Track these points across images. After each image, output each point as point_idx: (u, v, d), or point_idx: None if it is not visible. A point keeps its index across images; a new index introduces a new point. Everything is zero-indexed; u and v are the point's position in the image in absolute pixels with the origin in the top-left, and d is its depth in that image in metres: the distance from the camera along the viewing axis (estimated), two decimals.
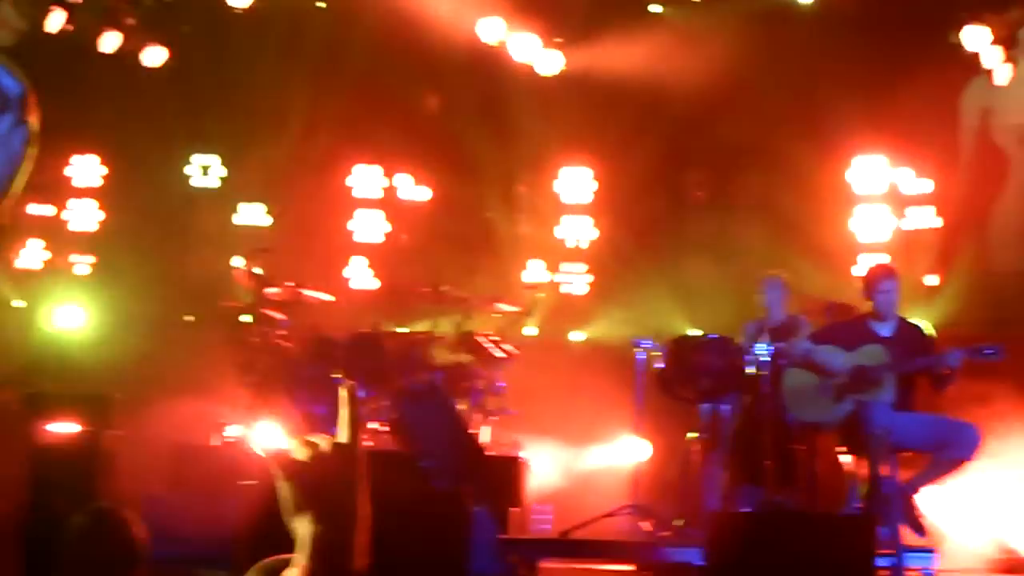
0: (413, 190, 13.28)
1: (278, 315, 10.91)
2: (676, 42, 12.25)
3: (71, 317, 12.82)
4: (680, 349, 9.54)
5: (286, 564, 2.21)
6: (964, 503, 9.74)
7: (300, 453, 2.13)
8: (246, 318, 10.83)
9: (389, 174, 13.30)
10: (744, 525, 8.03)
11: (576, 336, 12.58)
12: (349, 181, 13.32)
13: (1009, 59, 11.93)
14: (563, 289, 12.89)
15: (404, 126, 13.01)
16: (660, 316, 11.81)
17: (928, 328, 9.35)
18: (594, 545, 9.05)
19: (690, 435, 9.57)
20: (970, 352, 8.64)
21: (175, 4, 13.31)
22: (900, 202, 12.39)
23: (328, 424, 9.71)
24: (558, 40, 12.70)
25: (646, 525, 9.34)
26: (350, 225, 13.27)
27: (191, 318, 12.54)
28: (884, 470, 8.42)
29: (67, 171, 13.56)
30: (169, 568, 7.45)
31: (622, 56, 12.32)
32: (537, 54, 12.76)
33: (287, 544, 2.17)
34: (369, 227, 13.29)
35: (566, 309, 12.73)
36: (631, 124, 12.56)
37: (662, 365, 9.50)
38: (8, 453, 9.34)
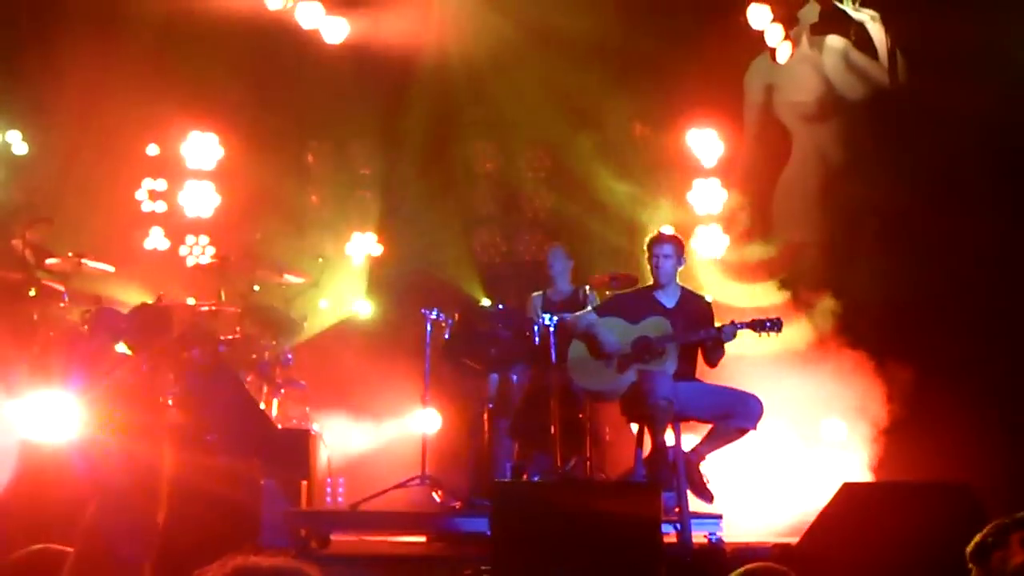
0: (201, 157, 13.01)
1: (58, 286, 10.61)
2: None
3: None
4: (468, 319, 9.58)
5: None
6: (750, 470, 10.06)
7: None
8: (29, 290, 10.53)
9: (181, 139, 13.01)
10: (530, 493, 8.09)
11: (362, 306, 12.52)
12: (148, 149, 12.98)
13: (789, 38, 12.27)
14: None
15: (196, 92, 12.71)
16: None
17: (710, 299, 9.53)
18: (386, 516, 9.05)
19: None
20: (751, 325, 8.80)
21: None
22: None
23: (110, 399, 9.49)
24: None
25: (437, 496, 9.38)
26: (138, 194, 12.94)
27: None
28: (668, 439, 8.58)
29: None
30: None
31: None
32: (323, 21, 12.54)
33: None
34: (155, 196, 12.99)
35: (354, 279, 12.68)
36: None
37: (449, 335, 9.53)
38: None
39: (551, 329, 9.06)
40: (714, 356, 8.93)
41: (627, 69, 12.23)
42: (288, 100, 12.71)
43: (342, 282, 12.41)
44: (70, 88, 12.22)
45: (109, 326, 10.23)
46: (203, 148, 13.00)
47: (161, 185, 12.97)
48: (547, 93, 12.18)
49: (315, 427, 10.20)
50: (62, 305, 10.64)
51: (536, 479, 9.21)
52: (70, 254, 10.61)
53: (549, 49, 12.00)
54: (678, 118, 12.53)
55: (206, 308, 10.67)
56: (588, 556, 7.28)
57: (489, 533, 7.86)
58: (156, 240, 12.80)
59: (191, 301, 10.92)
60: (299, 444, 9.62)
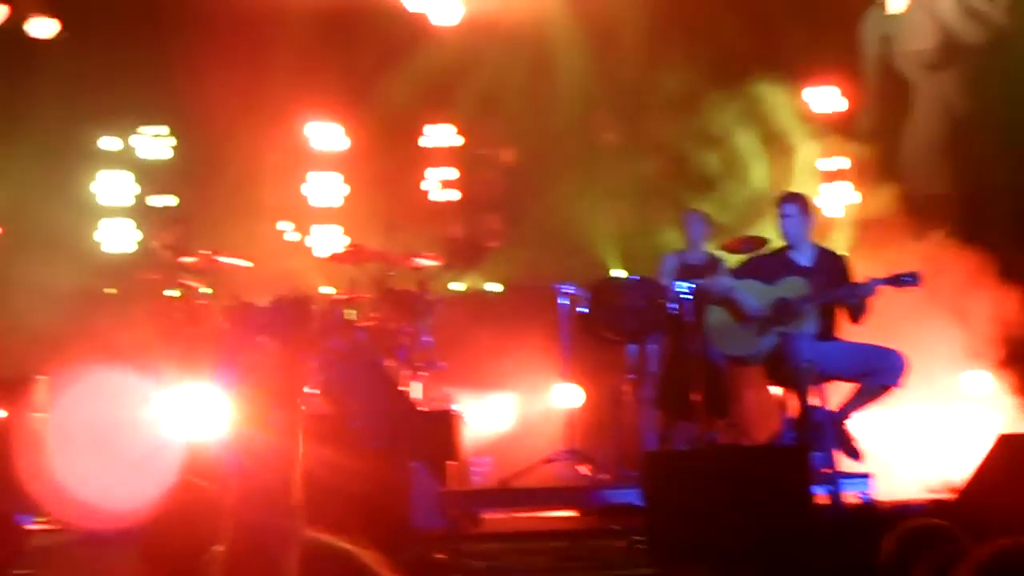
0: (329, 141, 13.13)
1: (197, 284, 10.79)
2: None
3: None
4: (602, 291, 9.58)
5: None
6: (898, 428, 9.92)
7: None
8: (168, 289, 10.74)
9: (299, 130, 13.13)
10: (680, 462, 8.09)
11: (493, 286, 12.56)
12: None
13: None
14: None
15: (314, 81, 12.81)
16: (577, 259, 11.84)
17: (845, 256, 9.43)
18: (535, 493, 9.10)
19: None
20: (888, 281, 8.70)
21: None
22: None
23: (255, 393, 9.62)
24: None
25: (584, 469, 9.40)
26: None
27: (112, 291, 12.38)
28: (813, 400, 8.51)
29: None
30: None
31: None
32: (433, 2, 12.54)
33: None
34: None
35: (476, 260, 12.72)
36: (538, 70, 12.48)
37: (586, 309, 9.54)
38: None
39: (688, 296, 9.02)
40: (858, 313, 8.82)
41: (743, 31, 12.08)
42: (406, 85, 12.73)
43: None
44: (208, 85, 12.39)
45: (250, 320, 10.39)
46: (328, 137, 13.09)
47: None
48: (677, 58, 12.07)
49: (457, 407, 10.26)
50: (203, 302, 10.81)
51: (684, 448, 9.18)
52: (205, 251, 10.77)
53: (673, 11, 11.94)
54: (796, 77, 12.34)
55: (342, 297, 10.76)
56: (740, 521, 7.27)
57: (640, 504, 7.87)
58: (288, 232, 12.95)
59: (328, 290, 11.02)
60: (443, 425, 9.69)
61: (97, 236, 12.92)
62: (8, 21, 12.60)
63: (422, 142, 13.03)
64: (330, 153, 13.10)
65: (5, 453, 9.68)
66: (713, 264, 9.84)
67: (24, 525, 7.89)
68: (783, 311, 8.83)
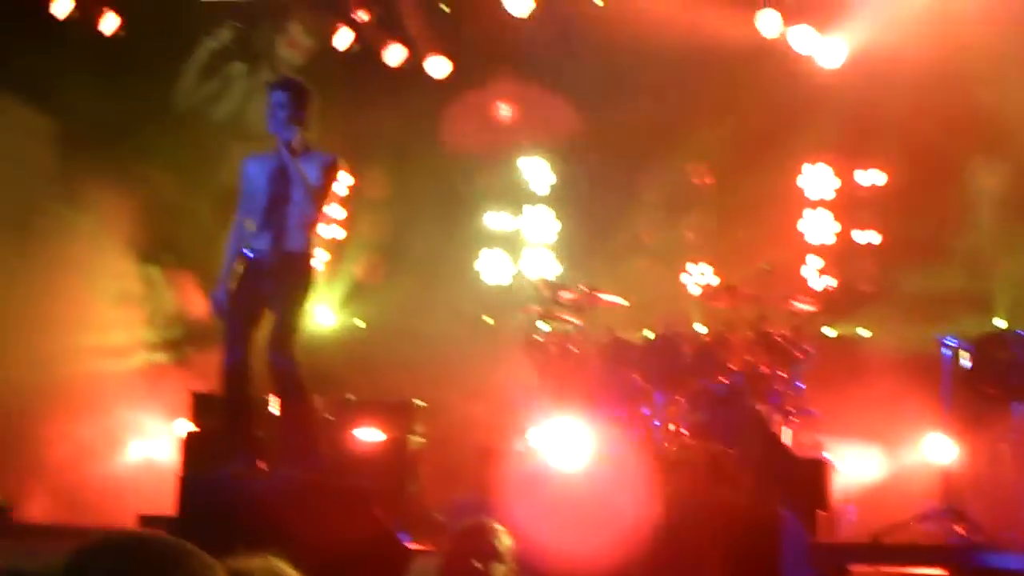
0: None
1: (573, 319, 11.02)
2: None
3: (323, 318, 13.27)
4: (988, 346, 9.29)
5: None
6: None
7: None
8: (543, 322, 11.00)
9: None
10: None
11: (863, 332, 12.30)
12: None
13: None
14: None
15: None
16: (949, 311, 11.42)
17: None
18: (907, 549, 8.88)
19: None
20: None
21: (456, 14, 13.51)
22: None
23: (625, 427, 9.80)
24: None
25: (959, 529, 9.11)
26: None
27: (490, 320, 12.79)
28: None
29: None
30: None
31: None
32: (817, 45, 12.39)
33: None
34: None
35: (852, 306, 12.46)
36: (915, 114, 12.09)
37: (968, 363, 9.27)
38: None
39: None
40: None
41: None
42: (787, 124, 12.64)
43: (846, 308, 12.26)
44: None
45: (622, 357, 10.55)
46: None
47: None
48: None
49: (828, 455, 10.12)
50: (576, 337, 11.02)
51: None
52: (582, 287, 10.98)
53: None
54: None
55: (717, 337, 10.77)
56: None
57: (1020, 569, 7.58)
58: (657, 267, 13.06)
59: (702, 330, 11.06)
60: (815, 473, 9.58)
61: (477, 266, 13.35)
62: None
63: (799, 181, 12.87)
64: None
65: (388, 473, 10.17)
66: None
67: (408, 544, 8.24)
68: None
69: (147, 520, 8.86)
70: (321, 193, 8.15)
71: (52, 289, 11.69)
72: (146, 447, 11.95)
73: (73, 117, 12.29)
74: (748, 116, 12.42)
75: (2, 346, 11.43)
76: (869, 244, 12.60)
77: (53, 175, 12.13)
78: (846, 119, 12.27)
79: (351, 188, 13.23)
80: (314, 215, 8.22)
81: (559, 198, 13.37)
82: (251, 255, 8.18)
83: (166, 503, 8.33)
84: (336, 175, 8.37)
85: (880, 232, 12.56)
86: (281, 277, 8.08)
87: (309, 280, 8.24)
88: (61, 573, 2.07)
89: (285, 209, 8.08)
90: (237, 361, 8.10)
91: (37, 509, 11.09)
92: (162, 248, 12.68)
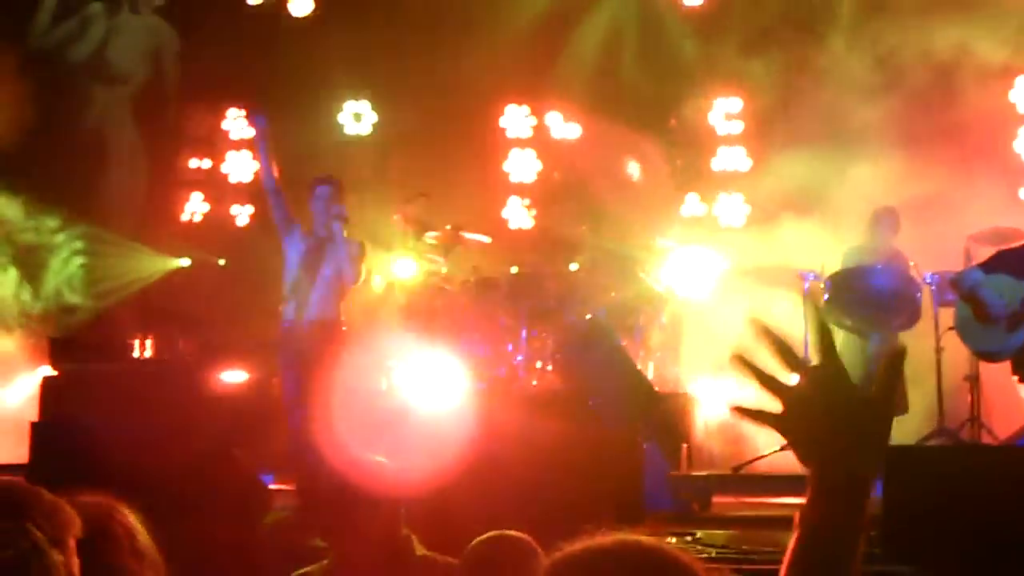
0: (563, 127, 13.18)
1: (438, 258, 10.98)
2: None
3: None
4: (846, 279, 9.46)
5: None
6: None
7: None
8: (407, 261, 10.94)
9: (539, 113, 13.22)
10: (922, 458, 7.87)
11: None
12: (502, 122, 13.28)
13: None
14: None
15: (551, 64, 12.92)
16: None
17: None
18: (768, 479, 8.99)
19: None
20: None
21: None
22: None
23: (489, 364, 9.77)
24: None
25: None
26: (505, 166, 13.23)
27: None
28: None
29: (224, 124, 13.76)
30: None
31: None
32: None
33: None
34: (523, 167, 13.25)
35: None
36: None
37: (828, 296, 9.41)
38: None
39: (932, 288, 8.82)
40: None
41: None
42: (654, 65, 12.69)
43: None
44: (418, 63, 12.64)
45: (488, 295, 10.55)
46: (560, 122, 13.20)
47: (529, 155, 13.21)
48: None
49: (692, 389, 10.22)
50: (442, 275, 10.99)
51: (928, 443, 8.96)
52: (448, 227, 10.94)
53: None
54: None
55: (581, 275, 10.81)
56: (981, 524, 7.02)
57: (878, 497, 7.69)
58: (515, 210, 13.08)
59: (574, 267, 11.03)
60: (678, 407, 9.67)
61: None
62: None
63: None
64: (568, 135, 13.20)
65: (250, 415, 10.05)
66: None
67: (269, 485, 8.19)
68: None
69: None
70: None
71: None
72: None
73: None
74: None
75: None
76: None
77: None
78: None
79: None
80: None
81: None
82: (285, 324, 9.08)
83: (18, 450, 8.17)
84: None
85: None
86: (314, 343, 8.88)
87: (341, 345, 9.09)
88: None
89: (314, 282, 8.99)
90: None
91: None
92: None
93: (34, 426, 8.05)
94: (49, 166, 12.50)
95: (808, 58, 11.99)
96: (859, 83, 11.79)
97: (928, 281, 9.37)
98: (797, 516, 1.99)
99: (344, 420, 7.64)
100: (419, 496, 4.18)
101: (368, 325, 10.77)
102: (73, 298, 12.42)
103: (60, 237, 12.43)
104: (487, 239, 11.20)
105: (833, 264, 9.83)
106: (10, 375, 11.77)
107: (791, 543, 1.98)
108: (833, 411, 1.96)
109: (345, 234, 9.05)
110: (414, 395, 9.78)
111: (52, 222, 12.39)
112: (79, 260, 12.57)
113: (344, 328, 9.33)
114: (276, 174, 9.16)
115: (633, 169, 12.40)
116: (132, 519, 2.90)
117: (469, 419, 7.58)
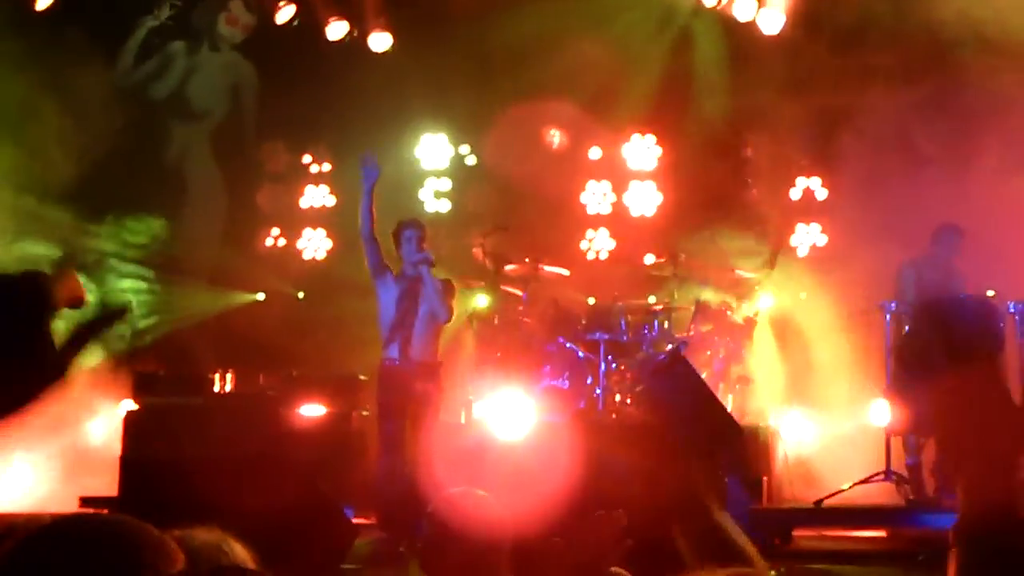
0: (640, 159, 13.17)
1: (517, 291, 11.02)
2: None
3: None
4: (928, 311, 9.34)
5: None
6: None
7: None
8: (485, 295, 11.00)
9: (615, 144, 13.21)
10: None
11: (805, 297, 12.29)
12: (591, 153, 13.31)
13: None
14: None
15: (627, 95, 12.93)
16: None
17: None
18: (849, 512, 8.94)
19: None
20: None
21: None
22: None
23: (568, 397, 9.79)
24: None
25: (903, 492, 9.19)
26: (583, 198, 13.23)
27: None
28: None
29: (304, 159, 13.90)
30: None
31: None
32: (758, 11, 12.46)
33: None
34: (600, 198, 13.24)
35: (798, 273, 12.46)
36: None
37: (909, 329, 9.32)
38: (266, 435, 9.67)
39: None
40: None
41: None
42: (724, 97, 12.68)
43: (787, 275, 12.22)
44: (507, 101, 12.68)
45: (566, 327, 10.57)
46: (643, 149, 13.19)
47: (605, 187, 13.20)
48: None
49: (772, 422, 10.18)
50: (520, 308, 11.02)
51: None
52: (527, 260, 10.98)
53: None
54: None
55: (660, 307, 10.79)
56: None
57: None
58: (602, 241, 13.07)
59: (652, 300, 11.02)
60: (758, 440, 9.63)
61: None
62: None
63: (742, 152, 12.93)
64: (645, 164, 13.19)
65: (334, 449, 10.12)
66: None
67: (352, 519, 8.24)
68: None
69: (88, 501, 8.77)
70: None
71: None
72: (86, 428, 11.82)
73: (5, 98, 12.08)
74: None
75: None
76: None
77: None
78: None
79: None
80: (440, 328, 9.34)
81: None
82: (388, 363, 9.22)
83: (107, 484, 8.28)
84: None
85: None
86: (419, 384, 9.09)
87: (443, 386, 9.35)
88: (6, 562, 2.04)
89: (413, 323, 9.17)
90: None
91: None
92: None
93: (123, 460, 8.16)
94: (133, 201, 12.68)
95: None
96: None
97: (1013, 311, 9.27)
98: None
99: (443, 458, 7.72)
100: (527, 533, 4.19)
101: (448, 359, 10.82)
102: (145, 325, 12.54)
103: (140, 269, 12.61)
104: (565, 271, 11.22)
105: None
106: (94, 409, 11.90)
107: None
108: None
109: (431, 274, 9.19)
110: (494, 428, 9.82)
111: (133, 252, 12.56)
112: (154, 290, 12.73)
113: (442, 368, 9.43)
114: (372, 223, 9.31)
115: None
116: (243, 552, 2.90)
117: (556, 453, 7.59)
